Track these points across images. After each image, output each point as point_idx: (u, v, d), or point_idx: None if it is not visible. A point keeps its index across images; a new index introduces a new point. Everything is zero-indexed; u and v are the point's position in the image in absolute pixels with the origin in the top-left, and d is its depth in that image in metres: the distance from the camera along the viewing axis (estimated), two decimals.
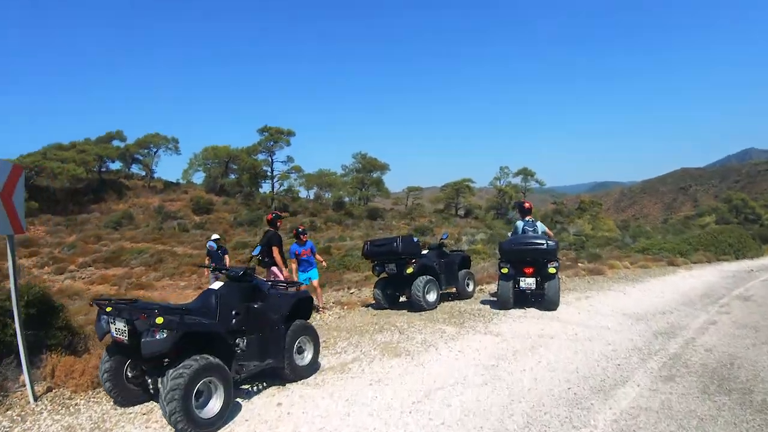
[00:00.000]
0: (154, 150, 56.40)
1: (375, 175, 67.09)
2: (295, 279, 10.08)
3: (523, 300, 9.98)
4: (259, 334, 5.58)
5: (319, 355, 6.41)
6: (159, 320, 4.43)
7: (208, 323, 4.91)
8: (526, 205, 10.46)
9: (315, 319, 9.76)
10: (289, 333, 5.71)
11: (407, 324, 8.60)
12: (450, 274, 10.99)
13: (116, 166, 56.57)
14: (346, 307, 11.10)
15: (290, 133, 57.67)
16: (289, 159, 59.35)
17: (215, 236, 14.45)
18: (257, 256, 9.62)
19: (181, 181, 59.40)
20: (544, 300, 9.58)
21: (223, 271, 6.01)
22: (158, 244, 29.55)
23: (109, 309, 4.85)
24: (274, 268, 9.49)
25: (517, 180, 78.63)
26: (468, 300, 11.16)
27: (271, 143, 57.15)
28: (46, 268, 24.09)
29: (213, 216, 45.07)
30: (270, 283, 6.19)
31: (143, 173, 57.09)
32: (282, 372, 5.67)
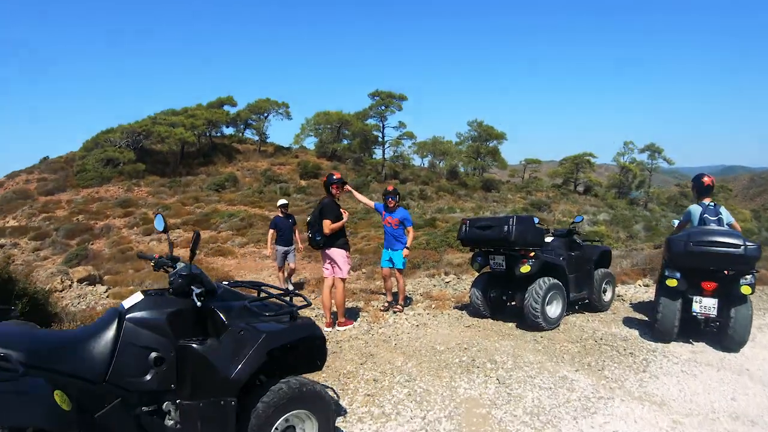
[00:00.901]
0: (264, 115, 56.15)
1: (491, 144, 62.74)
2: None
3: (689, 326, 6.38)
4: (200, 404, 2.86)
5: (348, 415, 3.95)
6: None
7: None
8: (706, 180, 6.64)
9: (387, 322, 7.17)
10: (262, 406, 2.92)
11: (512, 359, 5.59)
12: (582, 275, 7.75)
13: (231, 131, 57.38)
14: (434, 305, 8.32)
15: (402, 98, 54.62)
16: (401, 125, 56.53)
17: (282, 201, 11.82)
18: (308, 233, 7.01)
19: (293, 146, 59.19)
20: (725, 335, 6.01)
21: (168, 267, 3.33)
22: (254, 208, 28.33)
23: None
24: (335, 252, 6.84)
25: (643, 157, 71.37)
26: (603, 313, 7.88)
27: (382, 108, 54.65)
28: (135, 228, 23.58)
29: (319, 180, 43.76)
30: (248, 298, 3.33)
31: (256, 138, 57.23)
32: None
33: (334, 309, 7.01)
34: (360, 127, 53.71)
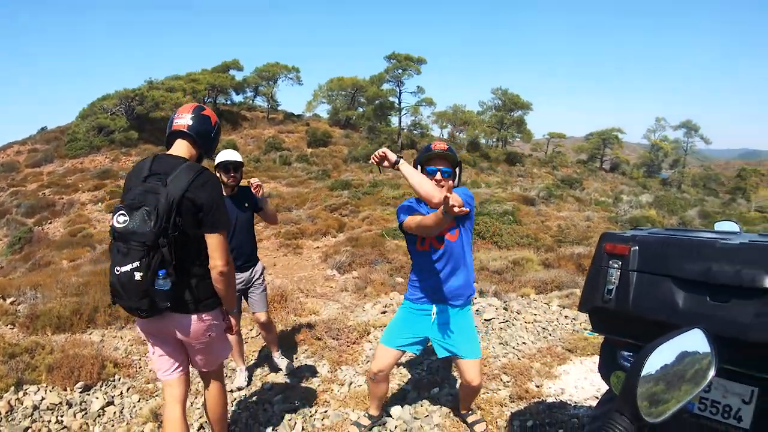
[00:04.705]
0: (274, 80, 52.46)
1: (516, 114, 58.70)
2: None
3: None
4: None
5: None
6: None
7: None
8: None
9: None
10: None
11: None
12: None
13: (239, 98, 54.05)
14: None
15: (421, 61, 50.43)
16: (420, 89, 52.62)
17: (224, 156, 4.03)
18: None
19: (305, 113, 55.82)
20: None
21: None
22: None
23: None
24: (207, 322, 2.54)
25: (678, 135, 69.69)
26: None
27: (399, 71, 50.67)
28: (100, 204, 20.50)
29: (327, 149, 40.38)
30: None
31: (267, 105, 53.92)
32: None
33: None
34: (375, 93, 50.01)
